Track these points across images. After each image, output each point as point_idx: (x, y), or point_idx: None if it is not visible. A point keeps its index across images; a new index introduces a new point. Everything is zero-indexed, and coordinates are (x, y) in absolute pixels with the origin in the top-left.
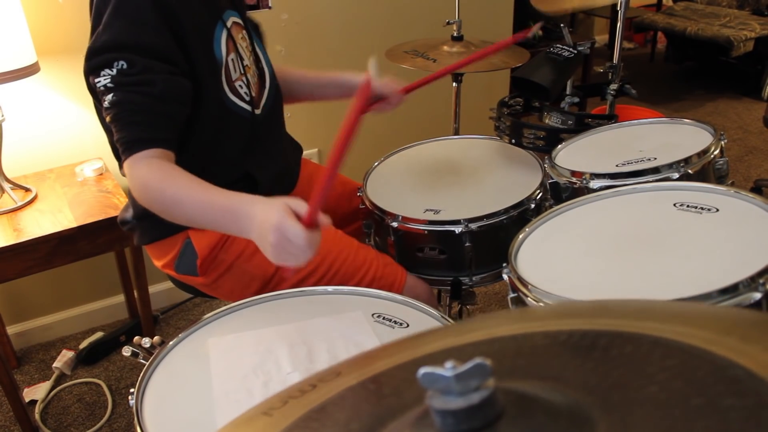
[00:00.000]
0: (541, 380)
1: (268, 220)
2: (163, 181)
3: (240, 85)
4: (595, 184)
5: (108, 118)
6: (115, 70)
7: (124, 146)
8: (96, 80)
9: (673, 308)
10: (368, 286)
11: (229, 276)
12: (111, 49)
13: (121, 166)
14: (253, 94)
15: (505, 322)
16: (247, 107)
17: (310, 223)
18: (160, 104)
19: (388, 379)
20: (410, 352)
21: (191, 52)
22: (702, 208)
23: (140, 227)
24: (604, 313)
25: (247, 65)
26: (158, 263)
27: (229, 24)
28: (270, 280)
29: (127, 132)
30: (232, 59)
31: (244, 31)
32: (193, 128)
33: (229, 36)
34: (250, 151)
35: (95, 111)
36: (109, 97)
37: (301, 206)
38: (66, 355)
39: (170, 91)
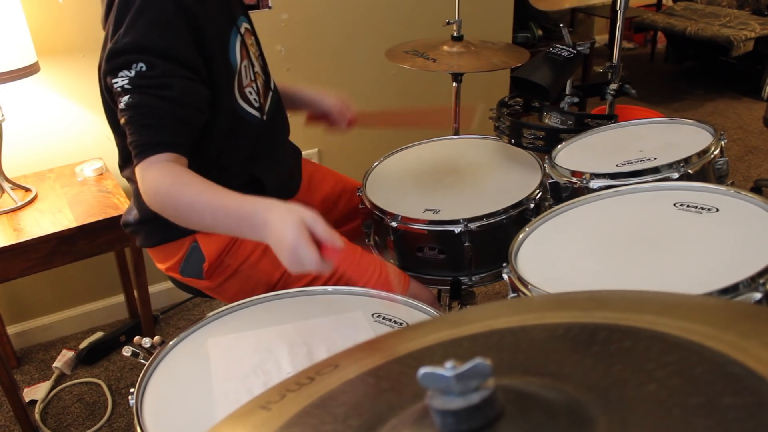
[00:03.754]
0: (540, 377)
1: (285, 238)
2: (176, 186)
3: (249, 92)
4: (595, 184)
5: (122, 120)
6: (133, 72)
7: (137, 150)
8: (113, 81)
9: (671, 300)
10: None
11: (234, 280)
12: (131, 51)
13: (122, 169)
14: (261, 101)
15: (502, 314)
16: (256, 113)
17: (326, 252)
18: (177, 109)
19: (386, 373)
20: (408, 345)
21: (210, 58)
22: (702, 208)
23: (144, 230)
24: (601, 305)
25: (257, 72)
26: (161, 266)
27: (242, 30)
28: (275, 285)
29: (141, 135)
30: (245, 66)
31: (253, 38)
32: (204, 133)
33: (243, 43)
34: (256, 157)
35: (105, 113)
36: (126, 98)
37: (317, 222)
38: (66, 355)
39: (188, 96)
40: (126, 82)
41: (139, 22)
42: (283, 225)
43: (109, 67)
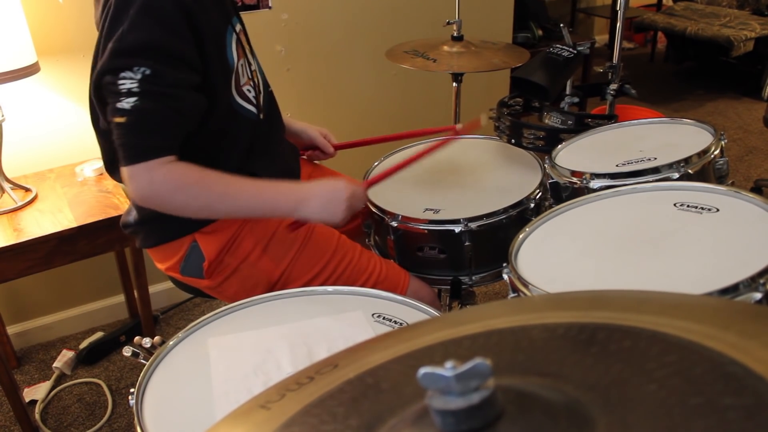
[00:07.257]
0: (540, 377)
1: (341, 190)
2: (204, 179)
3: (248, 89)
4: (595, 184)
5: (119, 119)
6: (139, 74)
7: (136, 150)
8: (115, 80)
9: (671, 300)
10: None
11: (234, 279)
12: (138, 52)
13: (110, 169)
14: (259, 99)
15: (502, 313)
16: (254, 110)
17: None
18: (183, 120)
19: (385, 372)
20: (407, 345)
21: (207, 57)
22: (702, 208)
23: (144, 231)
24: (601, 305)
25: (254, 70)
26: (162, 266)
27: (237, 30)
28: (275, 284)
29: (144, 138)
30: (242, 64)
31: (245, 38)
32: (202, 129)
33: (239, 41)
34: (254, 153)
35: (89, 111)
36: (132, 100)
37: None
38: (66, 355)
39: (194, 109)
40: (135, 85)
41: (144, 20)
42: (334, 184)
43: (111, 66)
